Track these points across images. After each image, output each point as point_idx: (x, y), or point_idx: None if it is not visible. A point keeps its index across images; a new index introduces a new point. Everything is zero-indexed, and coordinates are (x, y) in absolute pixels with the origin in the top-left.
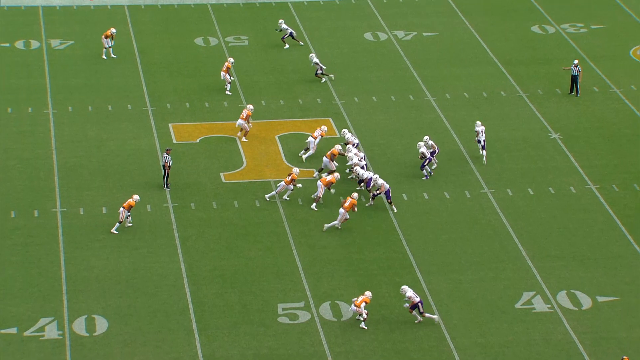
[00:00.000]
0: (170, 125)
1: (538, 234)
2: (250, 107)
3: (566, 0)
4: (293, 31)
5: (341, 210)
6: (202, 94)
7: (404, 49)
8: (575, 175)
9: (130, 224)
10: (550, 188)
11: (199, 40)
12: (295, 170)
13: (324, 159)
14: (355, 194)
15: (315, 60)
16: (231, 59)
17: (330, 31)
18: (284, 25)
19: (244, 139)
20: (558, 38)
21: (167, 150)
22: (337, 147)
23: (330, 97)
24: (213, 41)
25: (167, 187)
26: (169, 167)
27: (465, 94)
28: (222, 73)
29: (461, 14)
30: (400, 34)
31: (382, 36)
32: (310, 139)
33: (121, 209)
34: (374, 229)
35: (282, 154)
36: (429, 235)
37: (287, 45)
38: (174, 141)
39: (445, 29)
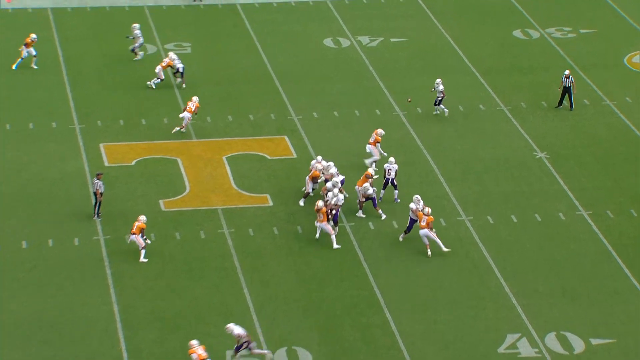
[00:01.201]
0: (101, 145)
1: (523, 267)
2: (196, 99)
3: (552, 1)
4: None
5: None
6: (138, 110)
7: (369, 56)
8: (564, 200)
9: (149, 242)
10: (536, 214)
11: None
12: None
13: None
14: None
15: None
16: (172, 54)
17: (285, 37)
18: (137, 31)
19: (178, 129)
20: (543, 44)
21: (98, 175)
22: (317, 167)
23: (285, 112)
24: (151, 49)
25: (98, 216)
26: (101, 194)
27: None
28: (159, 67)
29: (433, 16)
30: (364, 39)
31: (345, 42)
32: (369, 146)
33: (132, 236)
34: (336, 263)
35: (231, 178)
36: (399, 269)
37: (139, 57)
38: (106, 164)
39: (416, 33)
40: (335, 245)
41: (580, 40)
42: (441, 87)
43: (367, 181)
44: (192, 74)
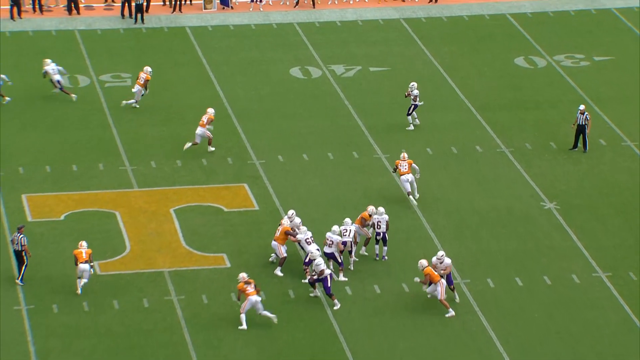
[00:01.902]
0: (24, 196)
1: (530, 339)
2: (211, 111)
3: (560, 24)
4: (61, 79)
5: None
6: (68, 154)
7: (345, 89)
8: (578, 260)
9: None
10: (545, 277)
11: (64, 80)
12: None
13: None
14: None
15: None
16: (148, 68)
17: (245, 66)
18: (50, 67)
19: (210, 148)
20: (551, 74)
21: (19, 228)
22: (286, 222)
23: (245, 156)
24: (83, 81)
25: (21, 282)
26: (26, 252)
27: (428, 149)
28: (137, 86)
29: (420, 41)
30: (339, 69)
31: (315, 72)
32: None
33: (82, 266)
34: (307, 336)
35: (180, 234)
36: (382, 343)
37: (73, 98)
38: (30, 219)
39: (400, 61)
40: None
41: (595, 69)
42: (416, 92)
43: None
44: (133, 109)
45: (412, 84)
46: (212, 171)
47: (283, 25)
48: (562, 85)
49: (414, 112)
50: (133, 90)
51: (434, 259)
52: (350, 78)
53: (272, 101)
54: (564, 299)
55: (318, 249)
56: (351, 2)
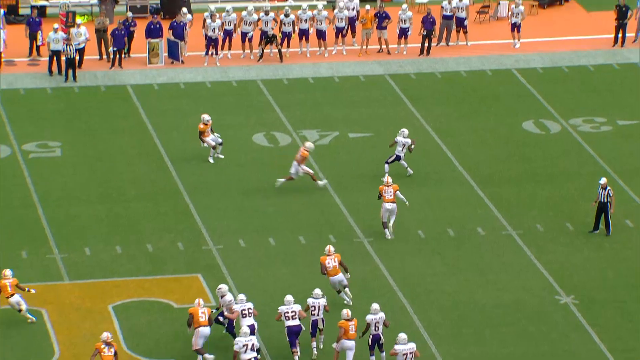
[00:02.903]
0: None
1: None
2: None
3: (577, 81)
4: None
5: None
6: None
7: (319, 158)
8: None
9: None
10: None
11: None
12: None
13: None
14: None
15: None
16: (206, 116)
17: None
18: None
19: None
20: (566, 140)
21: None
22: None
23: (199, 240)
24: (3, 150)
25: None
26: None
27: (420, 231)
28: (209, 137)
29: (409, 101)
30: (312, 135)
31: (283, 139)
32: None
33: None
34: None
35: (121, 336)
36: None
37: None
38: None
39: (385, 126)
40: None
41: (619, 135)
42: (405, 141)
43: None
44: (63, 184)
45: (403, 130)
46: (160, 259)
47: (245, 82)
48: (580, 154)
49: (403, 162)
50: (205, 145)
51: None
52: (326, 146)
53: (232, 174)
54: None
55: (253, 325)
56: (326, 54)
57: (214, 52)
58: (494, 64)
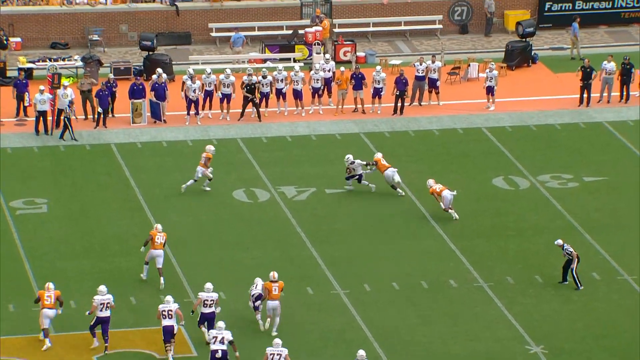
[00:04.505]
0: None
1: None
2: (211, 148)
3: (545, 139)
4: None
5: None
6: None
7: (297, 214)
8: None
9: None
10: None
11: None
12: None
13: None
14: None
15: None
16: (211, 147)
17: (180, 188)
18: None
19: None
20: (535, 196)
21: None
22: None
23: (181, 292)
24: None
25: None
26: None
27: (394, 283)
28: (200, 168)
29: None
30: (289, 191)
31: (262, 194)
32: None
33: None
34: None
35: None
36: None
37: None
38: None
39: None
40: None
41: (586, 191)
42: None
43: None
44: (49, 241)
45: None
46: (143, 310)
47: (225, 141)
48: (548, 209)
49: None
50: (198, 176)
51: None
52: (303, 201)
53: (213, 228)
54: None
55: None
56: (303, 114)
57: (196, 112)
58: (465, 123)
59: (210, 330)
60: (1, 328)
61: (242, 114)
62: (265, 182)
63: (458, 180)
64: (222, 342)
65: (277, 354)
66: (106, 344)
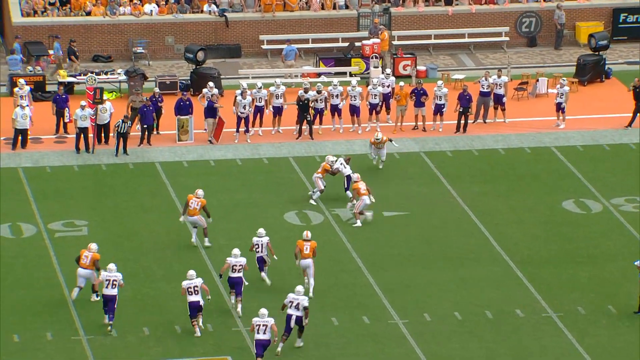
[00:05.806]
0: None
1: None
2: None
3: (619, 159)
4: None
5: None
6: (8, 320)
7: (352, 238)
8: None
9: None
10: None
11: (3, 229)
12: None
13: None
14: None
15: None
16: (330, 157)
17: (229, 210)
18: None
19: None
20: (608, 220)
21: None
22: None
23: (229, 321)
24: (28, 229)
25: None
26: None
27: (457, 313)
28: (316, 175)
29: (445, 179)
30: (345, 213)
31: (316, 217)
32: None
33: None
34: None
35: None
36: None
37: None
38: None
39: (420, 204)
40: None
41: None
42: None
43: None
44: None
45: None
46: (188, 341)
47: (276, 160)
48: (622, 234)
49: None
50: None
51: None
52: (360, 226)
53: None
54: None
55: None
56: (360, 131)
57: (245, 129)
58: (533, 142)
59: (289, 294)
60: (38, 358)
61: (299, 132)
62: (318, 204)
63: (526, 203)
64: (297, 307)
65: (263, 325)
66: (110, 322)
